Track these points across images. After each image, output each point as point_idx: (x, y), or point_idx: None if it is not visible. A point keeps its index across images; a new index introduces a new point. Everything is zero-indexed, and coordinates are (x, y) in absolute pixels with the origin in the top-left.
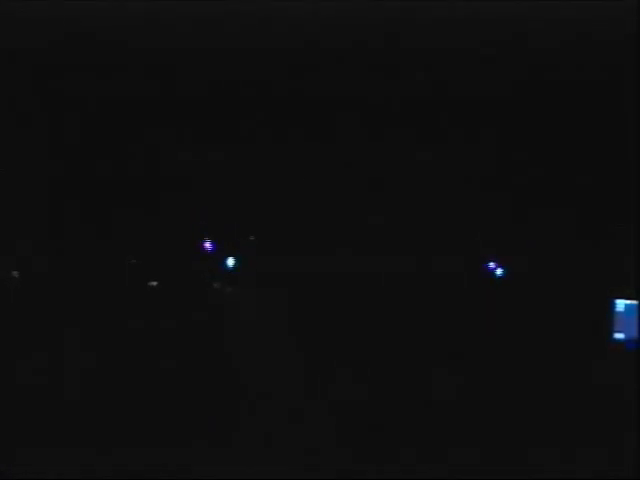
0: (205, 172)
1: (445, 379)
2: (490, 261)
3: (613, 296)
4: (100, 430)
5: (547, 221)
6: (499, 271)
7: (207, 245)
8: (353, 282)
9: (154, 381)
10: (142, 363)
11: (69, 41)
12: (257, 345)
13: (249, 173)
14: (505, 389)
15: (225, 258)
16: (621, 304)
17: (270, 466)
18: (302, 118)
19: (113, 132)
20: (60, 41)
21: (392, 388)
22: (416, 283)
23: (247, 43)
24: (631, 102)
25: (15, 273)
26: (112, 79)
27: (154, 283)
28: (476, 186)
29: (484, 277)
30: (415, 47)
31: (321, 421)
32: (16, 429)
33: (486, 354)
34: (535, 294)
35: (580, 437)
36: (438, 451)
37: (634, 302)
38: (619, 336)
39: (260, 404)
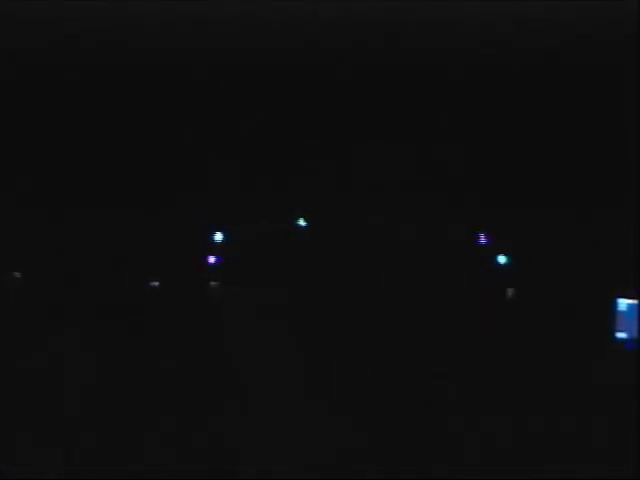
0: (205, 172)
1: (445, 379)
2: (482, 235)
3: (615, 295)
4: (100, 430)
5: (549, 220)
6: (501, 259)
7: (211, 259)
8: (353, 282)
9: (154, 381)
10: (142, 363)
11: (69, 41)
12: (256, 344)
13: (249, 173)
14: (506, 388)
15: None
16: (623, 303)
17: (270, 465)
18: (302, 118)
19: (113, 131)
20: (60, 41)
21: (392, 388)
22: (416, 283)
23: (247, 43)
24: (631, 102)
25: (17, 274)
26: (112, 79)
27: (156, 283)
28: (477, 186)
29: (484, 277)
30: (415, 47)
31: (321, 421)
32: (16, 429)
33: (487, 353)
34: (537, 293)
35: (580, 437)
36: (438, 451)
37: (636, 302)
38: (621, 335)
39: (259, 403)
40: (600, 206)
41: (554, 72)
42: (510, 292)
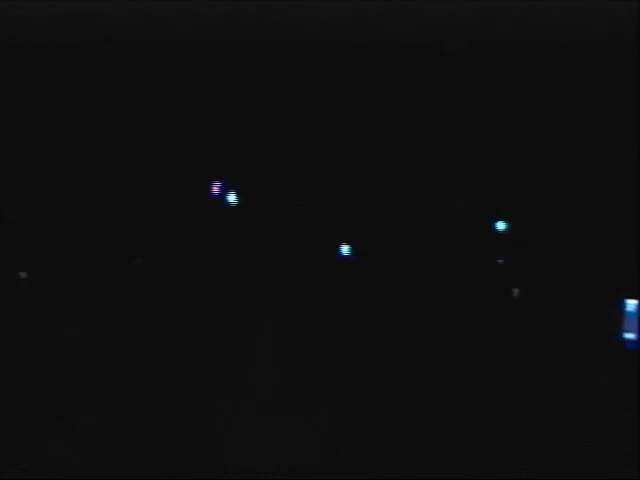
0: (205, 172)
1: (446, 380)
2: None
3: (623, 296)
4: (100, 430)
5: (553, 219)
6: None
7: (216, 188)
8: (353, 282)
9: (153, 381)
10: (142, 363)
11: (69, 41)
12: (256, 344)
13: (248, 172)
14: (507, 388)
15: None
16: (631, 304)
17: (270, 466)
18: (301, 117)
19: (113, 131)
20: (60, 41)
21: (392, 387)
22: (418, 283)
23: (247, 43)
24: (631, 102)
25: (23, 274)
26: (112, 78)
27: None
28: (477, 186)
29: (489, 277)
30: (414, 47)
31: (321, 422)
32: (16, 429)
33: (490, 353)
34: (542, 292)
35: (580, 437)
36: (438, 451)
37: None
38: (629, 336)
39: (259, 404)
40: (604, 205)
41: (554, 72)
42: (516, 292)
